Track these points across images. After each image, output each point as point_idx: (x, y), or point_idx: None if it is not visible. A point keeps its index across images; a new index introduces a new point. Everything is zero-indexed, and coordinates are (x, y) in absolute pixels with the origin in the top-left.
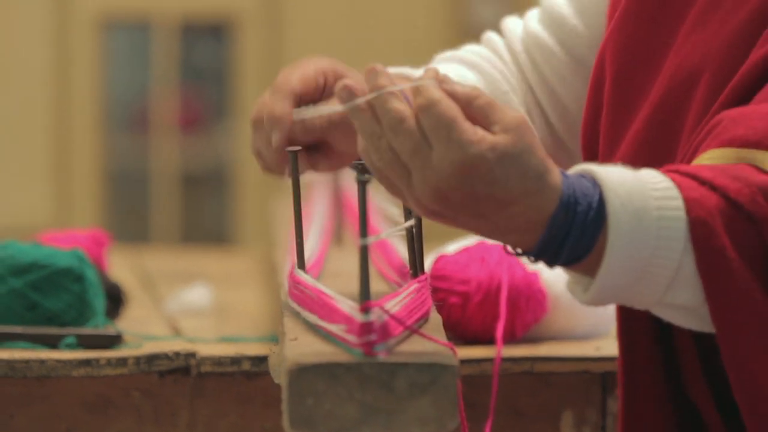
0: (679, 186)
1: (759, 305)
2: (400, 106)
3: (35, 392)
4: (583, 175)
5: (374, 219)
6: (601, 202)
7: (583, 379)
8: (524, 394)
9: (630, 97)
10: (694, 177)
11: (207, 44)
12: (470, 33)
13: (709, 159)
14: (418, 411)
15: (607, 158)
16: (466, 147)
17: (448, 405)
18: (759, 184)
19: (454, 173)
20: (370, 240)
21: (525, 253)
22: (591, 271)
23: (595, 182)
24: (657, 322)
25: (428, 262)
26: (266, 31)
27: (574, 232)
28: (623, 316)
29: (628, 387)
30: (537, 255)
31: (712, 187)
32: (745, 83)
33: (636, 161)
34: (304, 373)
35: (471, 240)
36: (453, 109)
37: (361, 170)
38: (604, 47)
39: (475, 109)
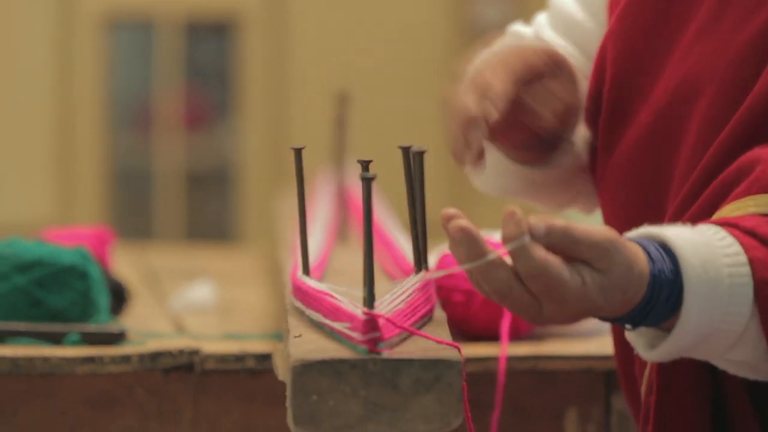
0: (745, 247)
1: None
2: (504, 275)
3: (39, 389)
4: (660, 249)
5: (379, 216)
6: (680, 281)
7: (588, 377)
8: (529, 392)
9: (628, 98)
10: (754, 235)
11: (211, 43)
12: (474, 33)
13: (755, 207)
14: (423, 408)
15: (605, 156)
16: (576, 303)
17: (452, 402)
18: None
19: (567, 321)
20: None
21: (604, 318)
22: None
23: (672, 258)
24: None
25: (433, 260)
26: (270, 30)
27: (656, 311)
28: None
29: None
30: (617, 321)
31: None
32: (762, 103)
33: (636, 166)
34: (308, 370)
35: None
36: (556, 270)
37: (366, 167)
38: (605, 43)
39: (572, 249)
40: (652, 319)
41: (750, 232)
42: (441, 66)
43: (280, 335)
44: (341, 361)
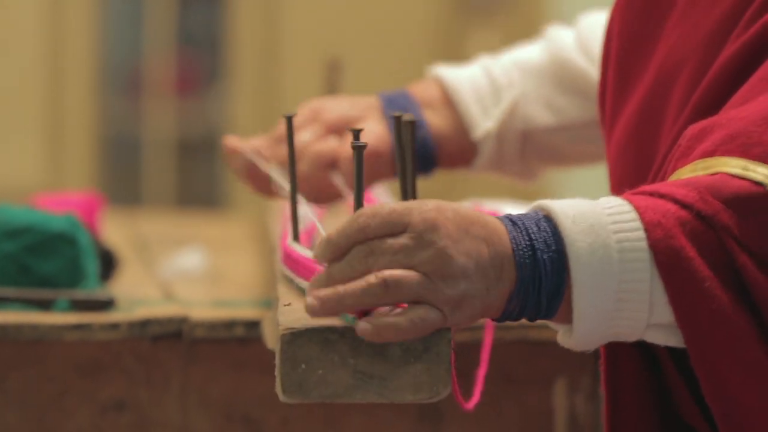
0: (640, 211)
1: (727, 315)
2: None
3: (28, 356)
4: (541, 220)
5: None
6: (562, 246)
7: None
8: (518, 362)
9: (629, 76)
10: (661, 196)
11: (202, 9)
12: (466, 4)
13: (690, 171)
14: (411, 377)
15: (608, 136)
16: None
17: (441, 372)
18: (706, 184)
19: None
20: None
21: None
22: (569, 320)
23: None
24: (641, 347)
25: None
26: None
27: (545, 282)
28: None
29: (612, 403)
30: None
31: (660, 196)
32: (713, 85)
33: (627, 147)
34: (297, 338)
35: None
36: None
37: (357, 136)
38: (612, 17)
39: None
40: (547, 292)
41: (656, 194)
42: (433, 32)
43: (269, 303)
44: (330, 330)
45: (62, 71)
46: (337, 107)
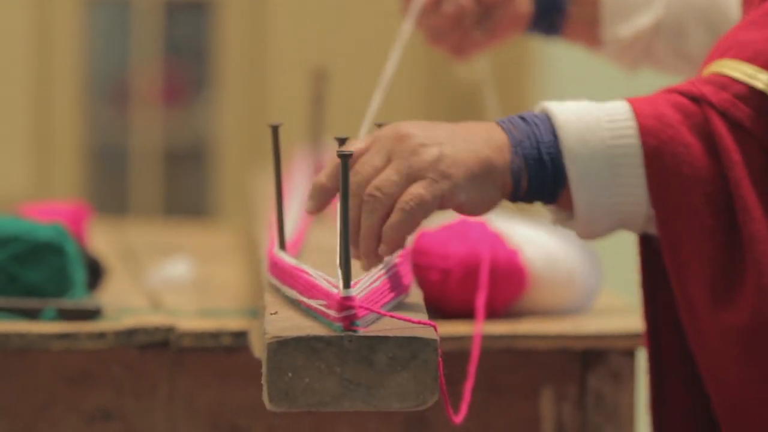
0: (637, 114)
1: (700, 179)
2: None
3: (15, 366)
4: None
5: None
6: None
7: (564, 356)
8: (504, 371)
9: None
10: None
11: (189, 20)
12: None
13: (716, 67)
14: (398, 386)
15: None
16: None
17: (428, 380)
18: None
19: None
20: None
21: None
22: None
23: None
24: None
25: (409, 238)
26: (248, 8)
27: (542, 181)
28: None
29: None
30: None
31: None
32: None
33: None
34: (283, 347)
35: (452, 217)
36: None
37: (342, 144)
38: None
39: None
40: (546, 187)
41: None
42: (419, 44)
43: (256, 312)
44: (317, 338)
45: (50, 82)
46: None
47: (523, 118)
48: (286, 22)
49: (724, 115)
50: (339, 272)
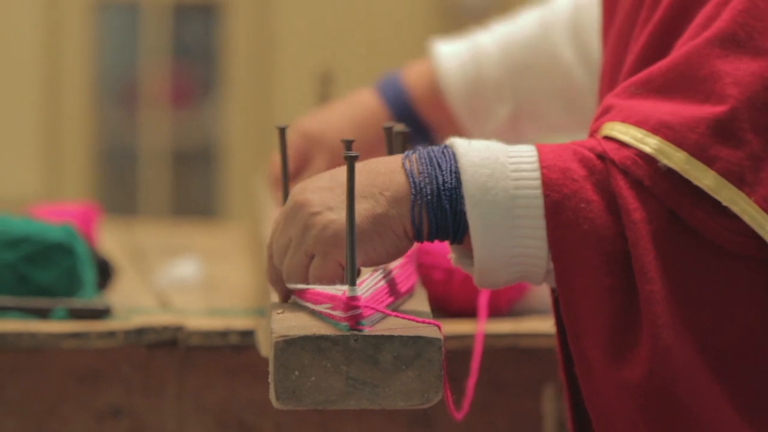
0: (542, 165)
1: (598, 235)
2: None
3: (26, 364)
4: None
5: None
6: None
7: None
8: (507, 369)
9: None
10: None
11: (197, 23)
12: (456, 13)
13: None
14: (403, 384)
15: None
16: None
17: (432, 378)
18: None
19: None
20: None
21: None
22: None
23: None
24: None
25: None
26: (255, 11)
27: (442, 215)
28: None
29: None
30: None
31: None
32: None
33: None
34: (290, 346)
35: None
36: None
37: (348, 147)
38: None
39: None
40: (448, 231)
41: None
42: (422, 46)
43: (263, 311)
44: (323, 338)
45: (60, 84)
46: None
47: (429, 157)
48: (293, 25)
49: (625, 173)
50: (345, 272)
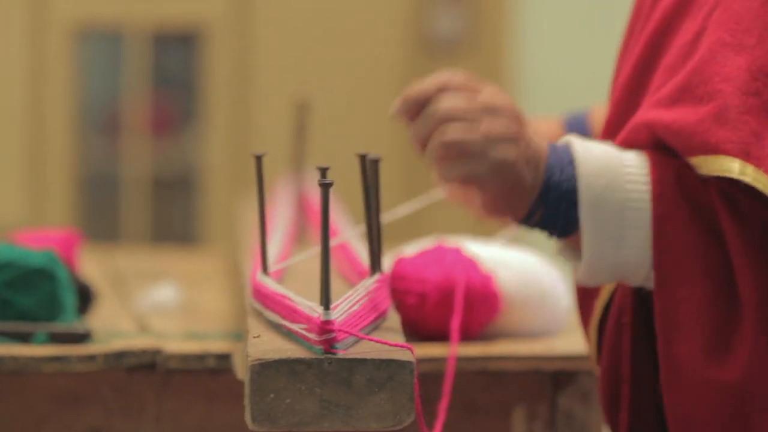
0: (653, 180)
1: (696, 248)
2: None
3: (8, 387)
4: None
5: (336, 221)
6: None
7: (535, 377)
8: (478, 391)
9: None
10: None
11: (177, 53)
12: (431, 43)
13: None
14: (376, 406)
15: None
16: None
17: (404, 401)
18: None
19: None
20: (332, 242)
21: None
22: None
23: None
24: None
25: (386, 264)
26: (234, 42)
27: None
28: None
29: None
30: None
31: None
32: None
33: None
34: (265, 369)
35: (428, 242)
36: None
37: (324, 174)
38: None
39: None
40: (557, 226)
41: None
42: (398, 76)
43: (240, 335)
44: (298, 361)
45: (42, 113)
46: None
47: (567, 156)
48: (271, 56)
49: (722, 191)
50: (320, 296)
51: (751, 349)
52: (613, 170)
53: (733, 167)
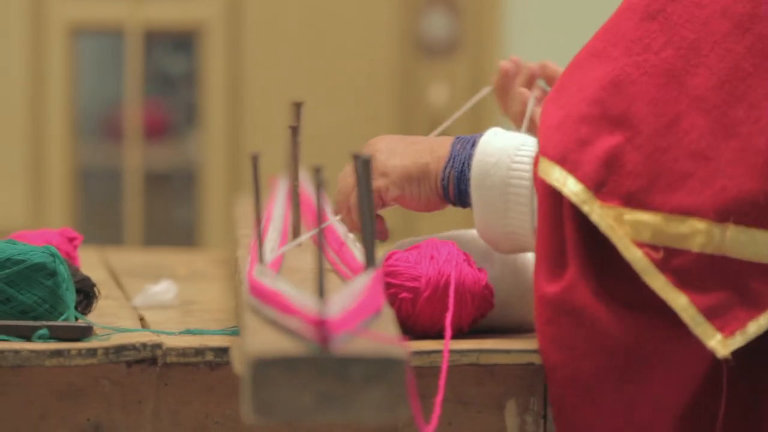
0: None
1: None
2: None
3: (10, 381)
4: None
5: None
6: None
7: (527, 371)
8: (471, 384)
9: None
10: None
11: (173, 55)
12: (423, 45)
13: None
14: (371, 400)
15: None
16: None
17: (399, 394)
18: None
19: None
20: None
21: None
22: None
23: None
24: None
25: (379, 259)
26: (228, 44)
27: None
28: None
29: None
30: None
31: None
32: None
33: None
34: (263, 364)
35: (420, 238)
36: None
37: (318, 172)
38: None
39: None
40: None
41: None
42: (391, 78)
43: (237, 331)
44: (294, 355)
45: (42, 116)
46: None
47: (471, 140)
48: (265, 58)
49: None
50: (316, 292)
51: (571, 276)
52: (506, 151)
53: (552, 171)
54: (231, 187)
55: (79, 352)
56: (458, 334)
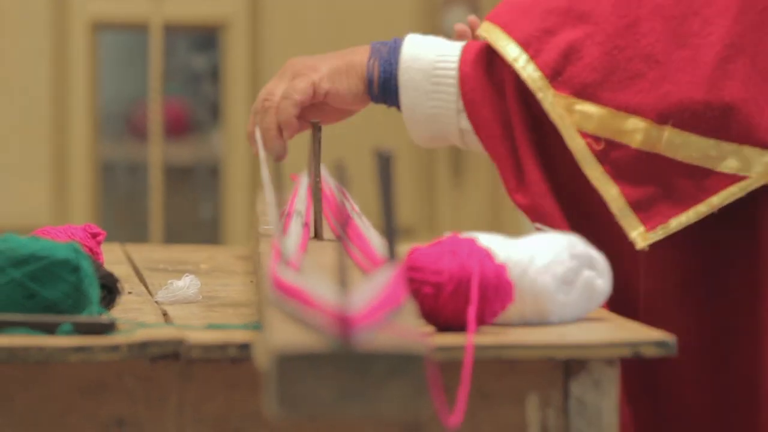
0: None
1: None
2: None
3: (34, 377)
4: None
5: (352, 214)
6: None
7: (548, 365)
8: (492, 379)
9: None
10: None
11: (196, 49)
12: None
13: None
14: (394, 395)
15: None
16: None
17: (422, 389)
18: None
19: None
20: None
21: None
22: None
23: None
24: None
25: (403, 254)
26: (251, 40)
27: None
28: None
29: None
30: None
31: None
32: None
33: None
34: (285, 360)
35: (443, 235)
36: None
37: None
38: None
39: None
40: (391, 89)
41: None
42: None
43: (260, 326)
44: (317, 350)
45: (65, 114)
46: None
47: (393, 40)
48: (287, 54)
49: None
50: (338, 287)
51: (533, 182)
52: (434, 41)
53: (507, 48)
54: (254, 182)
55: (103, 348)
56: (480, 328)
